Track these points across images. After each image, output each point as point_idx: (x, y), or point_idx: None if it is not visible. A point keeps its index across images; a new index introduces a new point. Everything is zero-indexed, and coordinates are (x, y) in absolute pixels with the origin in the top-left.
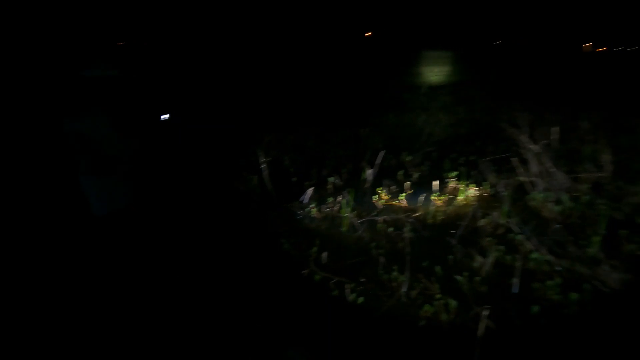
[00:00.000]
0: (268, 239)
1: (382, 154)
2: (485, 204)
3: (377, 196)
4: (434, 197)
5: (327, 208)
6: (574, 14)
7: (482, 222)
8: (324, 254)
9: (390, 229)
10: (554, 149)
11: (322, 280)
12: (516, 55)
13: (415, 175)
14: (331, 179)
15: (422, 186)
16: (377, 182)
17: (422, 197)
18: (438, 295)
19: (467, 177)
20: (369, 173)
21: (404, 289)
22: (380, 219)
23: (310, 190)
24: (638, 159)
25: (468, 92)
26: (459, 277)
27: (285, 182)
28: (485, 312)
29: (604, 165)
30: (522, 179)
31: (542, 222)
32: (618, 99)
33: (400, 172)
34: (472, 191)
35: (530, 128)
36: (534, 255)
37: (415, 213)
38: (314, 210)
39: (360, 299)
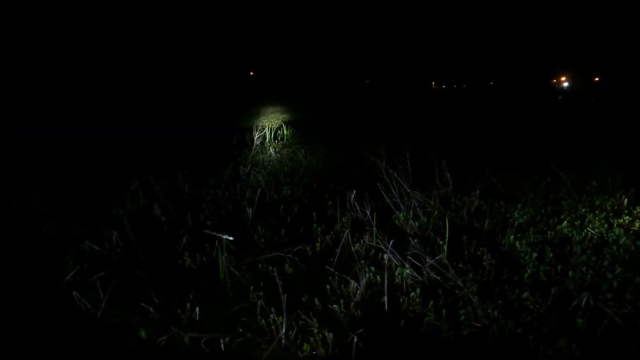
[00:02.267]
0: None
1: (259, 190)
2: (359, 228)
3: (257, 235)
4: (314, 228)
5: (202, 256)
6: (427, 58)
7: (356, 247)
8: (197, 310)
9: (271, 268)
10: (410, 173)
11: (192, 342)
12: (380, 91)
13: (296, 208)
14: (209, 223)
15: (303, 219)
16: (259, 220)
17: (302, 230)
18: (316, 330)
19: (342, 205)
20: (250, 212)
21: (283, 330)
22: (261, 258)
23: (184, 240)
24: (472, 175)
25: (344, 126)
26: (335, 307)
27: (157, 234)
28: (357, 338)
29: (447, 182)
30: (388, 201)
31: (405, 238)
32: (458, 128)
33: (282, 207)
34: (345, 219)
35: (388, 156)
36: (399, 270)
37: (296, 247)
38: (188, 261)
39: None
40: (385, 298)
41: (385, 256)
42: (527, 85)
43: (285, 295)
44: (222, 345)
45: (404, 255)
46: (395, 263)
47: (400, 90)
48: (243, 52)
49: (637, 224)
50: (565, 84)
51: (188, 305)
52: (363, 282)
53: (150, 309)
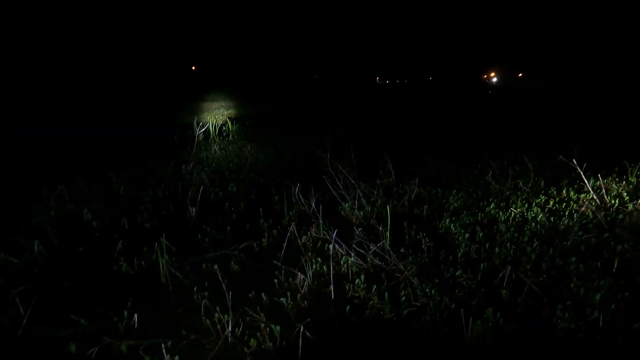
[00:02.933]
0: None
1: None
2: (306, 221)
3: (201, 234)
4: (261, 224)
5: (141, 261)
6: (371, 55)
7: (302, 240)
8: (135, 317)
9: (216, 266)
10: (355, 165)
11: (130, 350)
12: (329, 86)
13: (242, 205)
14: (148, 225)
15: (250, 215)
16: (203, 219)
17: (249, 226)
18: (263, 325)
19: (289, 199)
20: (193, 211)
21: (229, 328)
22: (206, 257)
23: (119, 244)
24: (413, 165)
25: (291, 122)
26: (282, 300)
27: (88, 240)
28: (304, 328)
29: (390, 173)
30: (334, 193)
31: (350, 228)
32: (400, 121)
33: (227, 204)
34: (292, 212)
35: (334, 149)
36: (344, 259)
37: (242, 244)
38: (124, 266)
39: (176, 358)
40: (332, 287)
41: (330, 247)
42: (462, 81)
43: (230, 292)
44: (164, 350)
45: (349, 244)
46: (341, 252)
47: (346, 86)
48: (184, 45)
49: (551, 202)
50: (495, 79)
51: (125, 312)
52: (310, 273)
53: (82, 321)
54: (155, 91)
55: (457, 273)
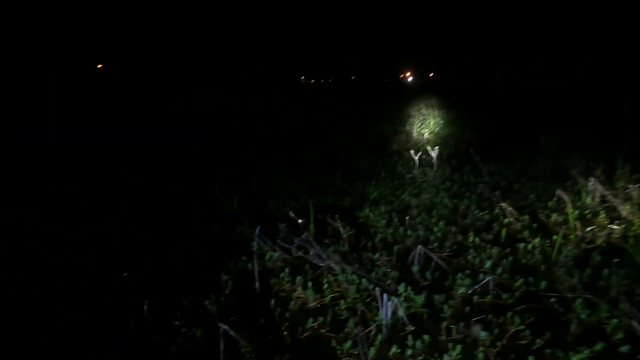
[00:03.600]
0: None
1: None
2: (233, 219)
3: None
4: None
5: None
6: (297, 54)
7: (229, 238)
8: None
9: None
10: (282, 161)
11: None
12: (257, 83)
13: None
14: None
15: None
16: None
17: None
18: (185, 329)
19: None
20: None
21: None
22: None
23: None
24: (337, 159)
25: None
26: (206, 302)
27: None
28: (227, 326)
29: (314, 168)
30: (258, 190)
31: (275, 224)
32: (323, 118)
33: None
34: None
35: (261, 149)
36: (269, 255)
37: None
38: None
39: None
40: (257, 283)
41: (254, 243)
42: (381, 79)
43: (146, 301)
44: None
45: (274, 240)
46: (265, 249)
47: (273, 84)
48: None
49: (455, 187)
50: (410, 79)
51: None
52: (234, 271)
53: None
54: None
55: (375, 256)
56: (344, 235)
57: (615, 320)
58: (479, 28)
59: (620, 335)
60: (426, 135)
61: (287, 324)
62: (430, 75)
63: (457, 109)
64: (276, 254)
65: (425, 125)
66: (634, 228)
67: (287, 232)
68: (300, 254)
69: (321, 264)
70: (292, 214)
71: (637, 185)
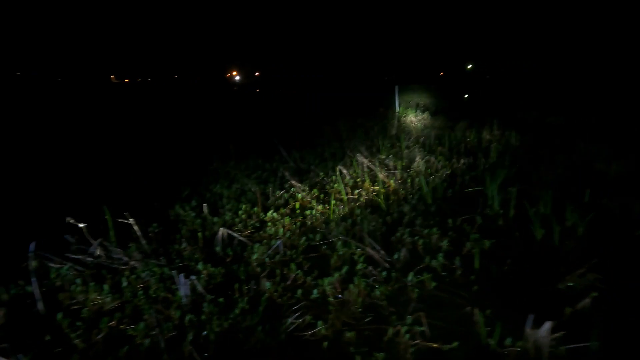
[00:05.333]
0: None
1: None
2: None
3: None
4: None
5: None
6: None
7: None
8: None
9: None
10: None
11: None
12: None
13: None
14: None
15: None
16: None
17: None
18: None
19: None
20: None
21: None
22: None
23: None
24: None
25: None
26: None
27: None
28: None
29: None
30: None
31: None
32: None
33: None
34: None
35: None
36: (53, 272)
37: None
38: None
39: None
40: (40, 304)
41: (30, 262)
42: (209, 78)
43: None
44: None
45: (63, 254)
46: (51, 266)
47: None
48: None
49: (264, 175)
50: (237, 78)
51: None
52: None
53: None
54: None
55: (182, 247)
56: (150, 234)
57: (358, 250)
58: None
59: (362, 260)
60: None
61: (79, 332)
62: (256, 74)
63: None
64: (65, 268)
65: None
66: (385, 187)
67: (78, 242)
68: (99, 261)
69: (123, 267)
70: (70, 220)
71: (390, 157)
